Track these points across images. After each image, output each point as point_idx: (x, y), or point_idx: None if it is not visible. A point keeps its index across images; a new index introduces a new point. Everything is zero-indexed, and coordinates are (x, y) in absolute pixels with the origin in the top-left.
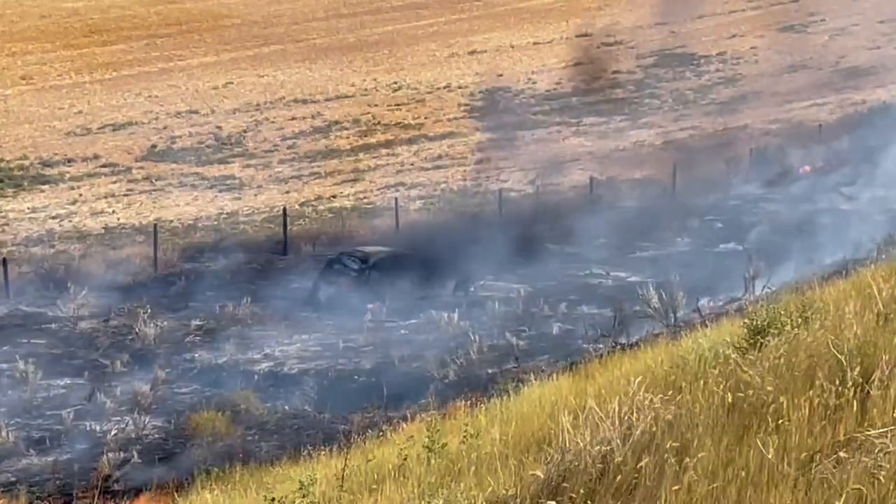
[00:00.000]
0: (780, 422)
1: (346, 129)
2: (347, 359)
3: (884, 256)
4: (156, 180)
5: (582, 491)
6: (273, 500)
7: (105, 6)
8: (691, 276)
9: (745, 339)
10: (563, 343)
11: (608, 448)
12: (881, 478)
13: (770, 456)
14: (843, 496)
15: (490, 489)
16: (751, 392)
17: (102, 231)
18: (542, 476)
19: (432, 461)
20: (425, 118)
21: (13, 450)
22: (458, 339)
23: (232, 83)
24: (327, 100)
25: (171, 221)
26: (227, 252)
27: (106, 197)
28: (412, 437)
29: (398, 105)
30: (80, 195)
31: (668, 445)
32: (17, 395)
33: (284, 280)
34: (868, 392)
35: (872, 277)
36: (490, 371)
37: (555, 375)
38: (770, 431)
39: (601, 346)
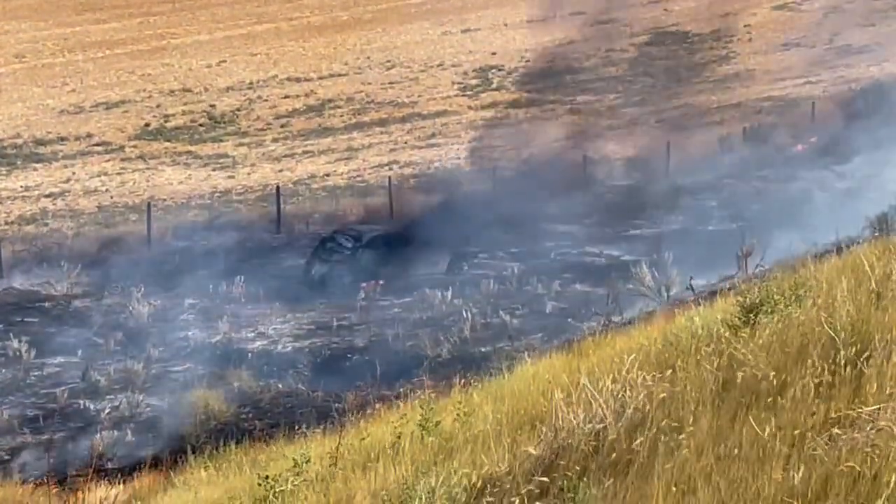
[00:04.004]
0: (774, 399)
1: (340, 107)
2: (341, 337)
3: (876, 234)
4: (149, 159)
5: (576, 468)
6: (267, 478)
7: None
8: (684, 254)
9: (738, 318)
10: (556, 321)
11: (601, 426)
12: (874, 455)
13: (763, 433)
14: (836, 473)
15: (484, 467)
16: (744, 370)
17: (96, 209)
18: (536, 453)
19: (426, 439)
20: (419, 96)
21: (7, 428)
22: (452, 318)
23: (225, 61)
24: (321, 78)
25: (165, 200)
26: (220, 230)
27: (99, 175)
28: (406, 415)
29: (391, 83)
30: (74, 173)
31: (661, 423)
32: (10, 374)
33: (278, 258)
34: (861, 370)
35: (865, 255)
36: (483, 349)
37: (548, 353)
38: (763, 409)
39: (594, 324)
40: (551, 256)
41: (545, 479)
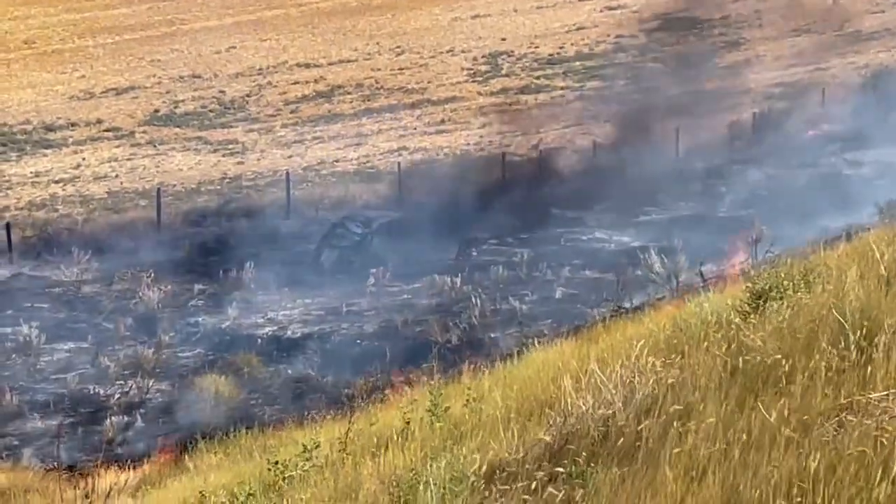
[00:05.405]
0: (783, 385)
1: (349, 93)
2: (350, 323)
3: (886, 220)
4: (159, 144)
5: (584, 454)
6: (277, 463)
7: None
8: (694, 240)
9: (747, 303)
10: (565, 307)
11: (611, 411)
12: (884, 440)
13: (772, 419)
14: (846, 458)
15: (493, 453)
16: (753, 355)
17: (105, 195)
18: (545, 439)
19: (435, 425)
20: (428, 82)
21: (18, 413)
22: (461, 304)
23: (235, 47)
24: (330, 64)
25: (175, 185)
26: (230, 216)
27: (109, 161)
28: (415, 401)
29: (401, 69)
30: (84, 159)
31: (670, 408)
32: (21, 360)
33: (287, 244)
34: (870, 355)
35: (875, 242)
36: (493, 335)
37: (557, 340)
38: (772, 395)
39: (604, 310)
40: (561, 242)
41: (554, 464)
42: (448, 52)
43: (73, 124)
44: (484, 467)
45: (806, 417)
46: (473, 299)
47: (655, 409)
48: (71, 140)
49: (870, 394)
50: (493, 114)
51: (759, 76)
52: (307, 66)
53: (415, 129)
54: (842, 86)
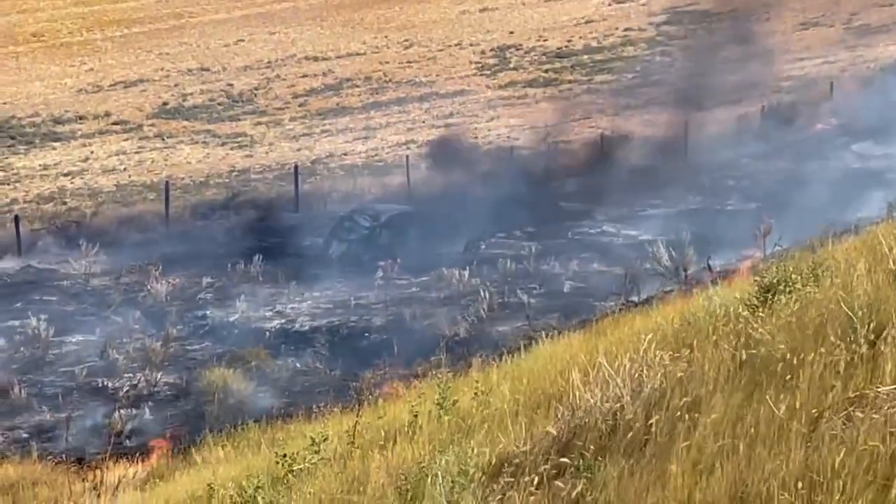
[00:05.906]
0: (791, 379)
1: (358, 86)
2: (359, 316)
3: (895, 214)
4: (167, 137)
5: (592, 447)
6: (285, 456)
7: None
8: (702, 234)
9: (755, 297)
10: (573, 301)
11: (619, 405)
12: (894, 434)
13: (780, 413)
14: (854, 453)
15: (501, 446)
16: (761, 349)
17: (114, 188)
18: (554, 433)
19: (443, 418)
20: (437, 75)
21: (26, 406)
22: (469, 297)
23: (243, 40)
24: (338, 57)
25: (183, 178)
26: (238, 209)
27: (117, 154)
28: (423, 394)
29: (409, 62)
30: (92, 152)
31: (678, 402)
32: (29, 352)
33: (296, 237)
34: (879, 349)
35: (883, 236)
36: (501, 329)
37: (566, 333)
38: (780, 388)
39: (612, 303)
40: (569, 236)
41: (562, 457)
42: (456, 45)
43: (81, 117)
44: (492, 460)
45: (814, 411)
46: (482, 292)
47: (663, 403)
48: (79, 133)
49: (878, 388)
50: (502, 107)
51: (767, 69)
52: (315, 59)
53: (423, 122)
54: (850, 79)
